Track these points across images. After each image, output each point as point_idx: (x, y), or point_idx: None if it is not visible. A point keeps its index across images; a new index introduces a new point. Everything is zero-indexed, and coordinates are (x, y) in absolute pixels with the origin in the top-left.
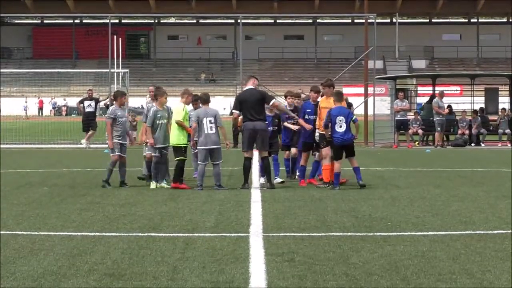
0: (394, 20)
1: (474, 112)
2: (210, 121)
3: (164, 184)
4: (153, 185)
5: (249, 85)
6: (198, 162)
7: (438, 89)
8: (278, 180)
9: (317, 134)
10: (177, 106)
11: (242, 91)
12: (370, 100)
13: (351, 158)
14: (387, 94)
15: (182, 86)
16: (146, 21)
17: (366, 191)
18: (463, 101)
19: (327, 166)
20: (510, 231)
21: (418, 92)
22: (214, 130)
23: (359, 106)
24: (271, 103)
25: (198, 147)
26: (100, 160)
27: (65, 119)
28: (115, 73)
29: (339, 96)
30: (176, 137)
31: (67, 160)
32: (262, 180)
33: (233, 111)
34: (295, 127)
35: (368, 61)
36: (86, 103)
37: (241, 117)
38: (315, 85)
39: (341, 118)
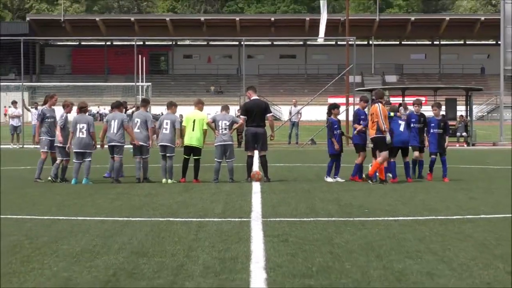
0: (370, 42)
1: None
2: (225, 123)
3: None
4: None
5: (255, 96)
6: (214, 159)
7: (407, 99)
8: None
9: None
10: (202, 114)
11: (249, 100)
12: (351, 108)
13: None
14: None
15: (195, 97)
16: (165, 43)
17: (348, 183)
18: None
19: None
20: (466, 216)
21: (391, 102)
22: (227, 131)
23: (342, 113)
24: (269, 115)
25: (215, 144)
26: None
27: (99, 124)
28: (140, 86)
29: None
30: (201, 140)
31: (98, 158)
32: (331, 179)
33: (241, 116)
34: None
35: (349, 76)
36: None
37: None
38: (363, 95)
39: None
